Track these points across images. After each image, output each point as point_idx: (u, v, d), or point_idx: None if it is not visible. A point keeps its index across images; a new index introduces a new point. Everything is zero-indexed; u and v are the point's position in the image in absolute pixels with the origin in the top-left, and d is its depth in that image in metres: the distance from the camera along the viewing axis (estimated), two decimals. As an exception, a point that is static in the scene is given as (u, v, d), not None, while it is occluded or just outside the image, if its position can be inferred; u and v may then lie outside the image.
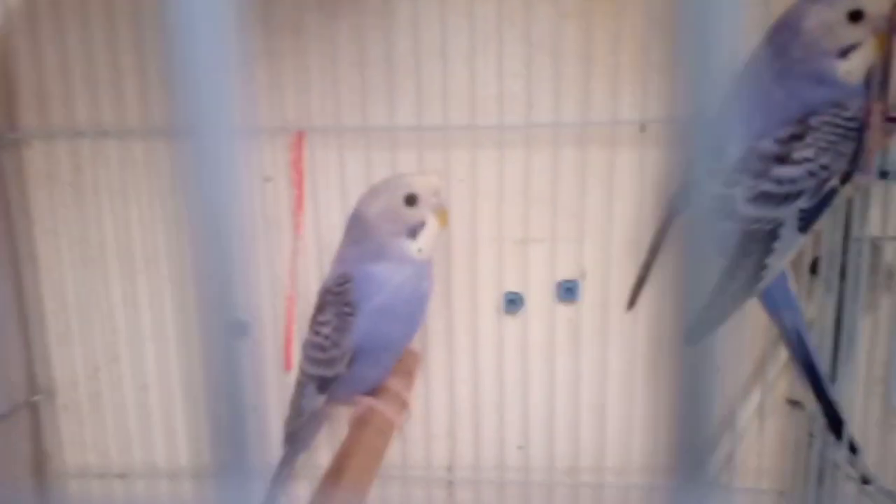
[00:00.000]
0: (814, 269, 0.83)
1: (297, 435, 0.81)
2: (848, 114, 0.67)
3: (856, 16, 0.64)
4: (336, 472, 0.71)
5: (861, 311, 0.77)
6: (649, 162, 0.87)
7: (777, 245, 0.68)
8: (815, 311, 0.85)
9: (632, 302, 0.83)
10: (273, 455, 0.80)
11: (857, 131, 0.67)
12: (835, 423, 0.75)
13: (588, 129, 0.87)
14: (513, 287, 0.93)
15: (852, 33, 0.65)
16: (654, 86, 0.85)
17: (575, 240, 0.90)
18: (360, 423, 0.79)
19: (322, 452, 0.97)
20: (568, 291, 0.92)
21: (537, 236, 0.91)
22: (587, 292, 0.92)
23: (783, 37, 0.69)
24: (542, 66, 0.86)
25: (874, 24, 0.64)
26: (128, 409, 1.01)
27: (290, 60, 0.89)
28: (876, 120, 0.68)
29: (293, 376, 0.84)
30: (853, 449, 0.75)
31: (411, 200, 0.74)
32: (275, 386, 0.89)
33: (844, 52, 0.65)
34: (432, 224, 0.76)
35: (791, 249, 0.70)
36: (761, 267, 0.69)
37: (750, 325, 0.85)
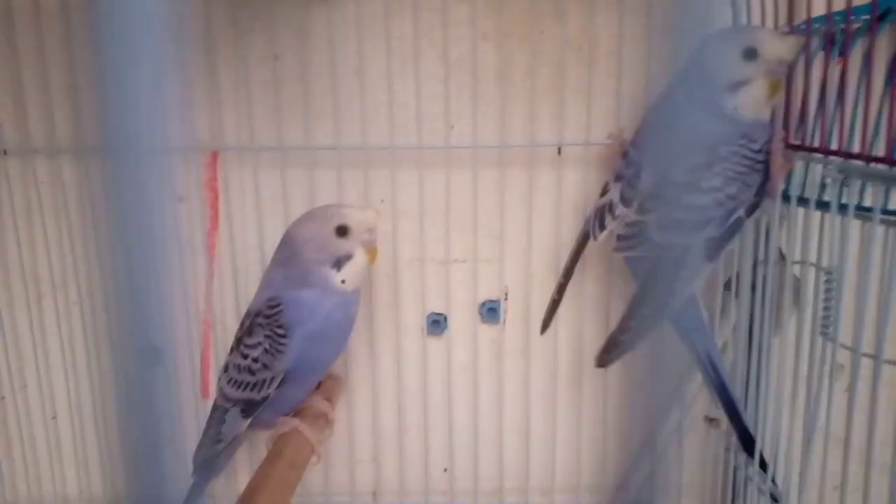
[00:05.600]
0: (728, 286, 0.85)
1: (211, 463, 0.79)
2: (755, 146, 0.68)
3: (750, 54, 0.65)
4: (248, 500, 0.70)
5: (771, 329, 0.78)
6: (567, 183, 0.87)
7: (685, 272, 0.69)
8: (729, 331, 0.86)
9: (545, 325, 0.82)
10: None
11: (764, 164, 0.68)
12: (746, 442, 0.77)
13: (506, 151, 0.86)
14: (436, 308, 0.92)
15: (743, 70, 0.66)
16: (571, 109, 0.85)
17: (496, 260, 0.90)
18: (278, 447, 0.77)
19: (240, 476, 0.94)
20: (491, 312, 0.91)
21: (459, 257, 0.90)
22: (509, 312, 0.91)
23: (687, 65, 0.70)
24: (461, 86, 0.86)
25: (768, 66, 0.66)
26: (37, 440, 0.96)
27: (202, 78, 0.86)
28: (777, 147, 0.70)
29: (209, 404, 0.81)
30: (763, 465, 0.77)
31: (342, 231, 0.74)
32: (191, 414, 0.86)
33: (734, 88, 0.66)
34: (360, 258, 0.75)
35: (698, 276, 0.71)
36: (670, 293, 0.70)
37: (668, 346, 0.86)
